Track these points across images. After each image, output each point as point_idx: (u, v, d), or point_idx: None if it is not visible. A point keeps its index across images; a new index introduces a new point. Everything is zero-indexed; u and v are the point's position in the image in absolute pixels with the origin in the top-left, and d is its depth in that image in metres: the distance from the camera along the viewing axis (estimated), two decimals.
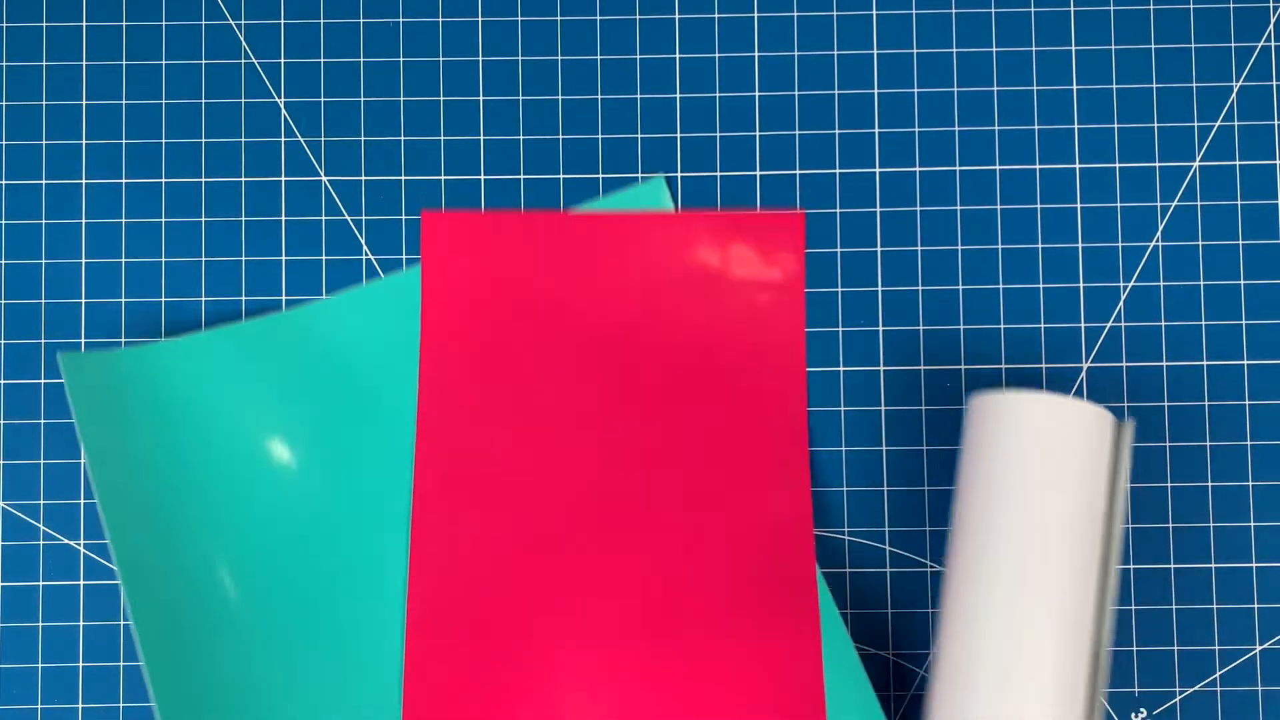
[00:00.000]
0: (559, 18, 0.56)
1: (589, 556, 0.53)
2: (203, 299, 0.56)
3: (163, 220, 0.56)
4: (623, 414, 0.54)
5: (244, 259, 0.56)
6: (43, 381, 0.55)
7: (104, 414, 0.53)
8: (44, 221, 0.56)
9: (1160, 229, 0.56)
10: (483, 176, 0.56)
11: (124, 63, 0.56)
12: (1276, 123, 0.56)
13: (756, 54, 0.56)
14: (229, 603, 0.53)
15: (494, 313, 0.55)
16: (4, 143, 0.56)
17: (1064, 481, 0.48)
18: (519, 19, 0.56)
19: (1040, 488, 0.48)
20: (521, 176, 0.56)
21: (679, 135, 0.56)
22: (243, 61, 0.56)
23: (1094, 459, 0.49)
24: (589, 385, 0.54)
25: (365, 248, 0.56)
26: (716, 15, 0.56)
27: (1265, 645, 0.55)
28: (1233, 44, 0.56)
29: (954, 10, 0.56)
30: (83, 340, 0.55)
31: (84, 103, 0.56)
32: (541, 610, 0.53)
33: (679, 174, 0.56)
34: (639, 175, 0.56)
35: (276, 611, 0.53)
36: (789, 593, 0.53)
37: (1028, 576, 0.47)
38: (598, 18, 0.56)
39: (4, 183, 0.56)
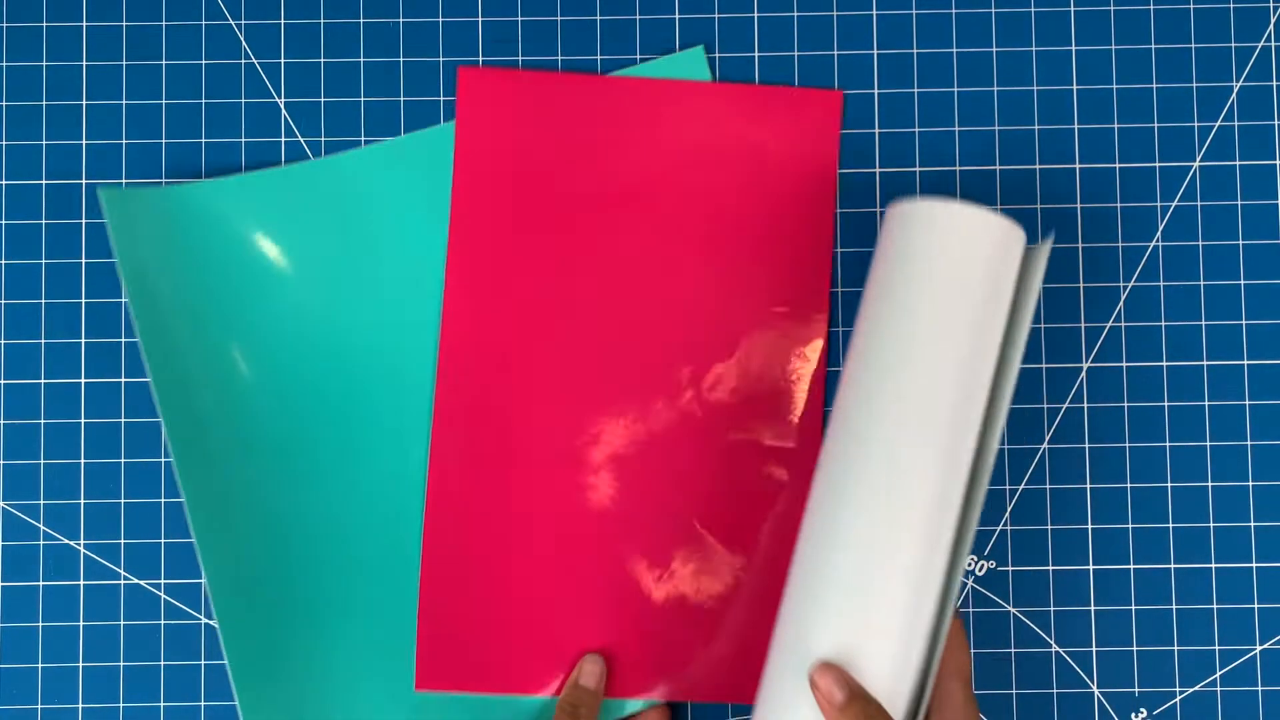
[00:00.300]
0: (559, 18, 0.56)
1: (607, 405, 0.54)
2: None
3: None
4: (645, 276, 0.55)
5: None
6: (42, 381, 0.55)
7: (142, 247, 0.54)
8: (44, 222, 0.56)
9: (1160, 229, 0.56)
10: None
11: (124, 63, 0.56)
12: (1276, 123, 0.56)
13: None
14: (261, 425, 0.54)
15: (524, 169, 0.55)
16: (4, 142, 0.56)
17: (960, 287, 0.46)
18: (519, 19, 0.56)
19: (934, 289, 0.46)
20: None
21: None
22: (243, 61, 0.56)
23: (995, 269, 0.47)
24: (612, 245, 0.55)
25: None
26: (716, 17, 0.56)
27: (1265, 645, 0.55)
28: (1233, 44, 0.56)
29: (954, 10, 0.56)
30: (83, 339, 0.55)
31: (84, 102, 0.56)
32: (560, 441, 0.55)
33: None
34: None
35: (304, 427, 0.54)
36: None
37: (909, 395, 0.45)
38: (598, 18, 0.56)
39: (4, 183, 0.56)
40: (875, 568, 0.45)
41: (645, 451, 0.54)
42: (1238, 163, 0.56)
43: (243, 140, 0.56)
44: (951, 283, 0.46)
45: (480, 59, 0.56)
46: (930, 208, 0.47)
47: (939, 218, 0.47)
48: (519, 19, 0.56)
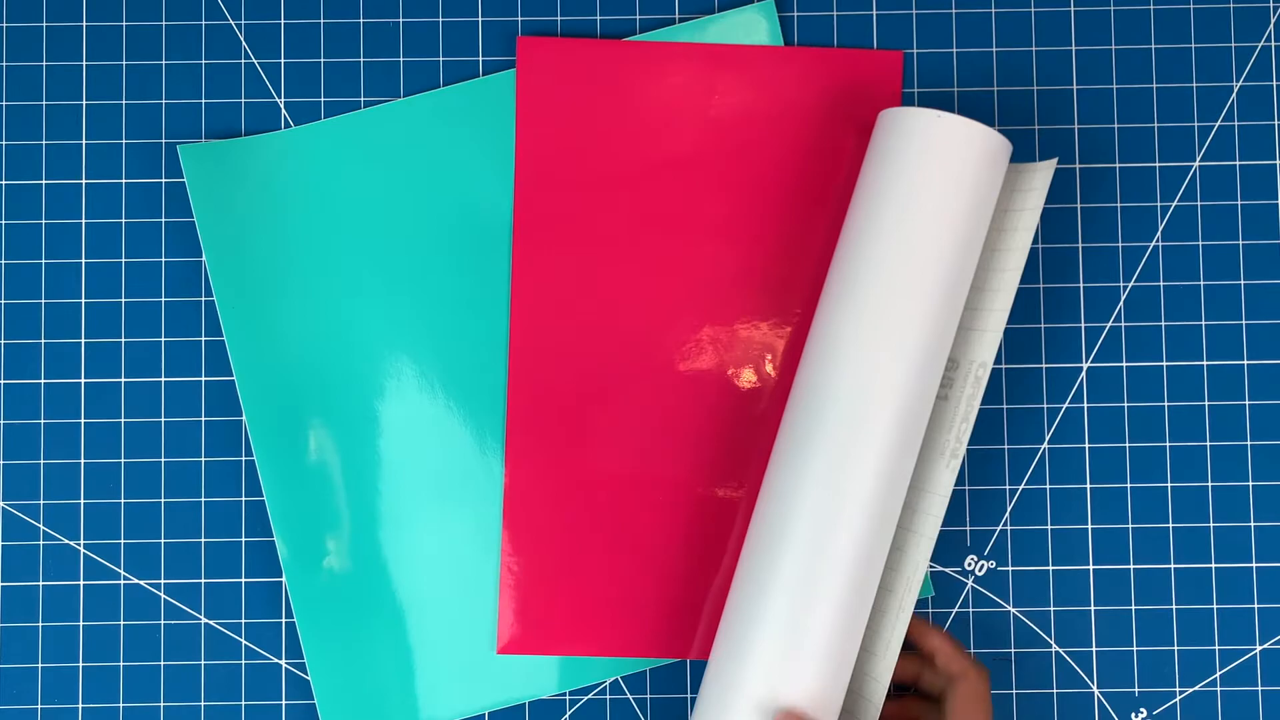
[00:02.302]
0: (559, 18, 0.56)
1: (674, 369, 0.55)
2: (202, 299, 0.56)
3: (163, 220, 0.56)
4: (707, 238, 0.55)
5: None
6: (42, 381, 0.55)
7: (219, 198, 0.55)
8: (44, 222, 0.56)
9: (1160, 229, 0.56)
10: None
11: (124, 63, 0.56)
12: (1276, 123, 0.56)
13: None
14: (335, 373, 0.55)
15: (584, 137, 0.55)
16: (4, 143, 0.56)
17: (934, 194, 0.47)
18: (519, 19, 0.56)
19: (910, 194, 0.47)
20: None
21: None
22: (243, 61, 0.56)
23: (971, 177, 0.47)
24: (673, 209, 0.55)
25: None
26: None
27: (1265, 645, 0.55)
28: (1233, 44, 0.56)
29: (954, 10, 0.56)
30: (83, 339, 0.55)
31: (84, 103, 0.56)
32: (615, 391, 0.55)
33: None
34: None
35: (382, 371, 0.55)
36: None
37: (882, 310, 0.47)
38: (598, 17, 0.56)
39: (4, 183, 0.56)
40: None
41: (719, 411, 0.55)
42: (1238, 163, 0.56)
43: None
44: (922, 189, 0.47)
45: (480, 58, 0.56)
46: (904, 116, 0.49)
47: (913, 127, 0.48)
48: (519, 19, 0.56)
